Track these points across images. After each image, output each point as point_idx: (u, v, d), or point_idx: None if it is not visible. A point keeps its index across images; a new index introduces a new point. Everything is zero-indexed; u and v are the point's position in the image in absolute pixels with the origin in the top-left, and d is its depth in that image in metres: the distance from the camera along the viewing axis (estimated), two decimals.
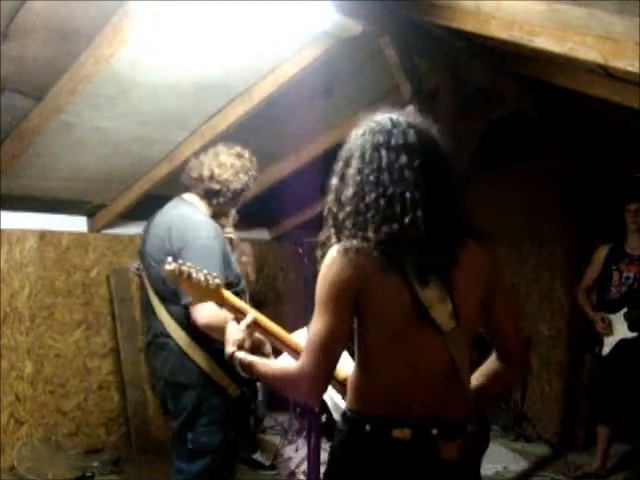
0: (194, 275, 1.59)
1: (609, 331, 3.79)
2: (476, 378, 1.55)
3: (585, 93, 3.20)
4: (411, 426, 1.35)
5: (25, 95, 2.72)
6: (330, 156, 4.54)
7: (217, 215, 2.41)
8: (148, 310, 2.32)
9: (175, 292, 2.13)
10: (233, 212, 3.71)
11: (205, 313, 2.05)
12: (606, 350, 3.81)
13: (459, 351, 1.38)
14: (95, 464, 3.58)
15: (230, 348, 1.59)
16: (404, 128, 1.40)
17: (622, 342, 3.75)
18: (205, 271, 1.61)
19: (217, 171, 2.33)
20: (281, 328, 1.68)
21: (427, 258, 1.33)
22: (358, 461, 1.40)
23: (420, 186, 1.34)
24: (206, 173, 2.34)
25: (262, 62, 3.04)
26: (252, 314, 1.63)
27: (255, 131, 3.61)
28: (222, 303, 1.67)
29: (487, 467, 3.97)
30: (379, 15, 2.81)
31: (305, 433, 3.96)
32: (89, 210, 3.93)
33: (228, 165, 2.35)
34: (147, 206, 4.04)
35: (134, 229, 4.23)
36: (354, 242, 1.34)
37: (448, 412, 1.38)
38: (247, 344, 1.60)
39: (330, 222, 1.43)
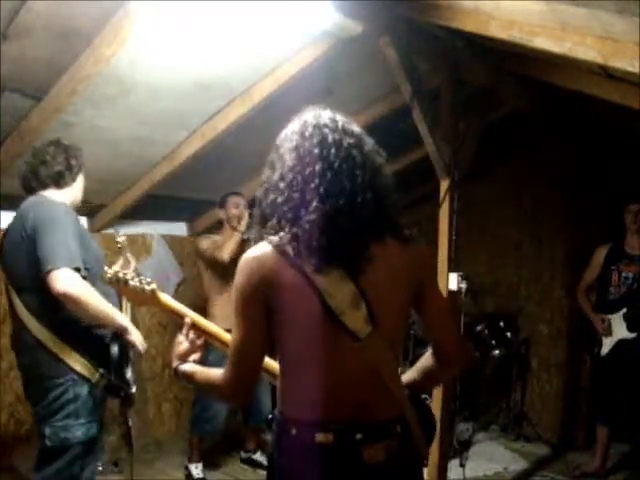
0: (130, 282, 1.62)
1: (609, 332, 3.79)
2: (411, 374, 1.57)
3: (585, 93, 3.20)
4: (334, 431, 1.35)
5: (25, 95, 2.72)
6: None
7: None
8: (9, 302, 2.33)
9: (29, 280, 2.16)
10: (246, 214, 3.74)
11: (64, 281, 2.04)
12: (605, 350, 3.81)
13: (381, 354, 1.38)
14: (95, 464, 3.57)
15: (173, 362, 1.59)
16: (331, 127, 1.41)
17: (621, 342, 3.76)
18: (140, 277, 1.64)
19: (39, 157, 2.41)
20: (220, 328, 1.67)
21: (326, 249, 1.31)
22: (286, 464, 1.41)
23: (331, 182, 1.34)
24: (33, 162, 2.41)
25: (262, 62, 3.04)
26: (188, 318, 1.62)
27: (255, 131, 3.61)
28: (160, 307, 1.66)
29: (487, 467, 3.98)
30: (379, 15, 2.80)
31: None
32: (89, 210, 3.93)
33: (48, 151, 2.41)
34: (147, 206, 4.07)
35: (134, 229, 4.23)
36: (269, 242, 1.35)
37: (373, 415, 1.38)
38: (194, 350, 1.60)
39: (260, 214, 1.44)
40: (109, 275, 1.64)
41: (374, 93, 3.75)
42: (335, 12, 2.58)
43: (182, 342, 1.60)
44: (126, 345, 2.32)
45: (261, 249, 1.36)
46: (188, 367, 1.56)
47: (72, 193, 2.46)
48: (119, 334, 2.28)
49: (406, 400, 1.44)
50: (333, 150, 1.37)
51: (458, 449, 3.88)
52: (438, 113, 3.31)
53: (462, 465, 3.46)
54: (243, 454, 4.06)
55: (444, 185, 3.24)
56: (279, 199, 1.37)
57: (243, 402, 1.55)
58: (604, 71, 2.85)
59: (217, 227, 4.06)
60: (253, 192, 4.51)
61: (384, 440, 1.38)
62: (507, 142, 4.54)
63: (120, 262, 2.90)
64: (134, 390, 2.38)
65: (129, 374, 2.33)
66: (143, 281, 1.62)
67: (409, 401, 1.45)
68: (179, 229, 4.65)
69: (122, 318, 2.30)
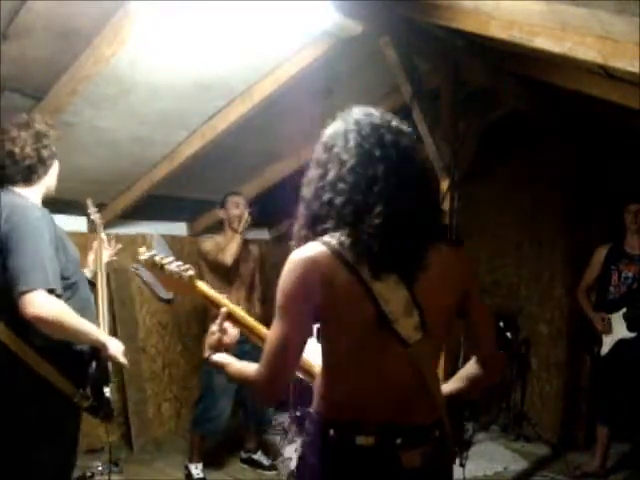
0: (167, 267, 1.55)
1: (609, 330, 3.79)
2: (455, 382, 1.56)
3: (585, 93, 3.20)
4: (374, 433, 1.34)
5: (25, 95, 2.73)
6: None
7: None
8: None
9: (3, 291, 1.91)
10: (246, 214, 3.74)
11: (36, 303, 1.85)
12: (605, 350, 3.81)
13: (426, 360, 1.37)
14: (95, 464, 3.58)
15: (205, 352, 1.57)
16: (388, 126, 1.39)
17: (621, 342, 3.75)
18: (179, 263, 1.55)
19: (5, 147, 2.08)
20: (256, 320, 1.63)
21: (387, 255, 1.29)
22: (323, 465, 1.40)
23: (394, 185, 1.32)
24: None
25: (262, 62, 3.04)
26: (225, 307, 1.57)
27: (255, 131, 3.61)
28: (196, 295, 1.60)
29: (487, 467, 3.97)
30: (379, 15, 2.81)
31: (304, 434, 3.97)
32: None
33: (16, 140, 2.08)
34: (147, 206, 4.07)
35: (134, 229, 4.23)
36: (323, 242, 1.31)
37: (413, 419, 1.38)
38: (226, 340, 1.57)
39: (309, 214, 1.40)
40: (144, 258, 1.55)
41: (374, 93, 3.75)
42: (335, 12, 2.58)
43: (215, 332, 1.56)
44: (105, 362, 2.20)
45: (314, 249, 1.31)
46: (220, 358, 1.53)
47: (45, 185, 2.17)
48: (98, 351, 2.14)
49: (444, 406, 1.44)
50: (393, 151, 1.35)
51: (458, 449, 3.88)
52: (438, 113, 3.31)
53: (462, 465, 3.46)
54: (243, 454, 4.06)
55: (444, 185, 3.24)
56: (337, 200, 1.33)
57: (276, 400, 1.52)
58: (604, 71, 2.85)
59: (217, 227, 4.06)
60: (254, 192, 4.55)
61: (422, 445, 1.38)
62: (507, 142, 4.54)
63: (95, 243, 2.68)
64: (113, 405, 2.26)
65: (107, 392, 2.21)
66: (181, 267, 1.55)
67: (446, 408, 1.45)
68: (179, 229, 4.66)
69: (100, 334, 2.14)
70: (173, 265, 1.55)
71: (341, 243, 1.30)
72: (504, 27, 2.45)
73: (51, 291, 1.90)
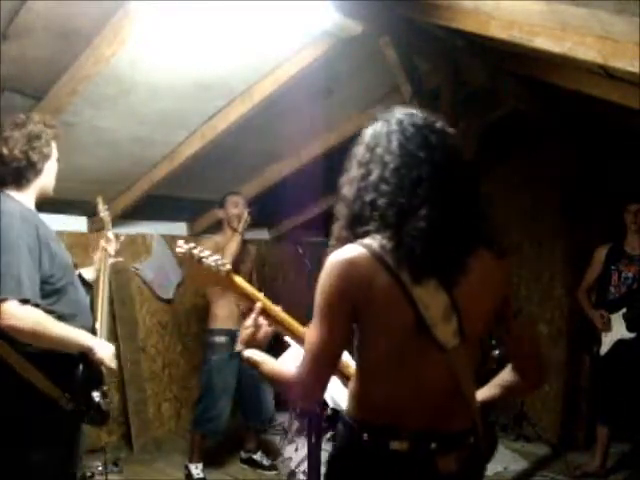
0: (204, 260, 1.54)
1: (608, 328, 3.79)
2: (490, 389, 1.54)
3: (585, 93, 3.20)
4: (409, 438, 1.33)
5: (25, 95, 2.73)
6: (330, 156, 4.56)
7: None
8: None
9: None
10: (245, 214, 3.73)
11: (7, 314, 1.83)
12: (604, 350, 3.81)
13: (462, 366, 1.35)
14: (95, 464, 3.58)
15: (237, 347, 1.56)
16: (431, 127, 1.37)
17: (620, 342, 3.75)
18: (216, 257, 1.55)
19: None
20: (292, 318, 1.62)
21: (428, 259, 1.27)
22: (355, 469, 1.39)
23: (439, 188, 1.30)
24: None
25: (262, 62, 3.04)
26: (260, 303, 1.56)
27: (255, 131, 3.61)
28: (232, 289, 1.60)
29: (487, 467, 3.97)
30: (379, 15, 2.81)
31: (305, 433, 3.97)
32: (89, 210, 3.93)
33: (8, 140, 2.04)
34: (147, 206, 4.07)
35: (134, 229, 4.23)
36: (362, 244, 1.29)
37: (448, 425, 1.36)
38: (260, 336, 1.56)
39: (350, 214, 1.37)
40: (183, 250, 1.55)
41: (374, 93, 3.75)
42: (335, 12, 2.58)
43: (249, 327, 1.55)
44: (94, 366, 2.15)
45: (354, 251, 1.28)
46: (253, 354, 1.52)
47: (38, 187, 2.12)
48: (86, 355, 2.11)
49: (479, 412, 1.42)
50: (438, 153, 1.32)
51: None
52: (438, 113, 3.30)
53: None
54: (243, 454, 4.06)
55: None
56: (380, 201, 1.30)
57: (313, 402, 1.52)
58: (604, 71, 2.85)
59: (217, 227, 4.05)
60: (254, 192, 4.55)
61: (457, 450, 1.36)
62: (507, 142, 4.54)
63: (103, 240, 2.67)
64: (106, 408, 2.22)
65: (97, 396, 2.16)
66: (219, 262, 1.55)
67: (479, 414, 1.43)
68: (179, 229, 4.66)
69: (85, 338, 2.09)
70: (211, 259, 1.54)
71: (382, 246, 1.28)
72: (504, 27, 2.44)
73: (26, 301, 1.87)
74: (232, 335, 3.71)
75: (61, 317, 2.02)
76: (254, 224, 3.94)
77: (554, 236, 4.66)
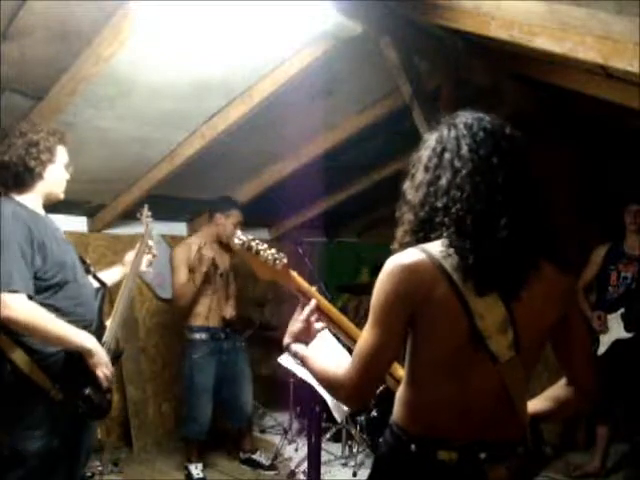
0: (262, 253, 1.57)
1: (605, 328, 3.80)
2: (541, 401, 1.54)
3: (585, 93, 3.20)
4: (458, 449, 1.32)
5: (25, 95, 2.72)
6: (330, 156, 4.56)
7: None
8: None
9: None
10: (235, 213, 3.73)
11: (10, 306, 1.96)
12: (602, 350, 3.81)
13: (515, 379, 1.33)
14: (95, 464, 3.58)
15: (286, 339, 1.56)
16: (502, 134, 1.34)
17: (618, 342, 3.76)
18: (273, 250, 1.58)
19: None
20: (344, 316, 1.62)
21: (492, 270, 1.25)
22: (402, 478, 1.38)
23: (516, 196, 1.28)
24: None
25: (262, 62, 3.04)
26: (314, 300, 1.57)
27: (255, 131, 3.61)
28: (287, 283, 1.61)
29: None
30: (379, 15, 2.81)
31: (305, 433, 3.97)
32: (89, 210, 3.93)
33: (10, 147, 2.19)
34: (147, 206, 4.06)
35: (134, 229, 4.22)
36: (423, 250, 1.27)
37: (498, 435, 1.35)
38: (309, 332, 1.57)
39: (416, 220, 1.34)
40: (241, 242, 1.58)
41: (374, 93, 3.75)
42: (335, 12, 2.58)
43: (300, 321, 1.55)
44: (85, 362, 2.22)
45: (414, 257, 1.26)
46: (302, 349, 1.52)
47: (42, 191, 2.25)
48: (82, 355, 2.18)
49: (528, 424, 1.42)
50: (510, 159, 1.30)
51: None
52: (438, 113, 3.30)
53: None
54: (242, 455, 4.06)
55: None
56: (455, 208, 1.27)
57: (357, 407, 1.50)
58: (604, 71, 2.85)
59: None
60: (254, 192, 4.55)
61: (507, 460, 1.35)
62: None
63: (140, 244, 2.77)
64: (103, 403, 2.28)
65: (88, 390, 2.21)
66: (276, 255, 1.58)
67: (530, 426, 1.43)
68: (179, 229, 4.66)
69: (83, 339, 2.16)
70: (268, 252, 1.57)
71: (446, 253, 1.26)
72: (504, 27, 2.45)
73: (15, 292, 1.99)
74: (212, 332, 3.76)
75: (56, 311, 2.12)
76: (254, 224, 3.94)
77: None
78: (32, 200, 2.22)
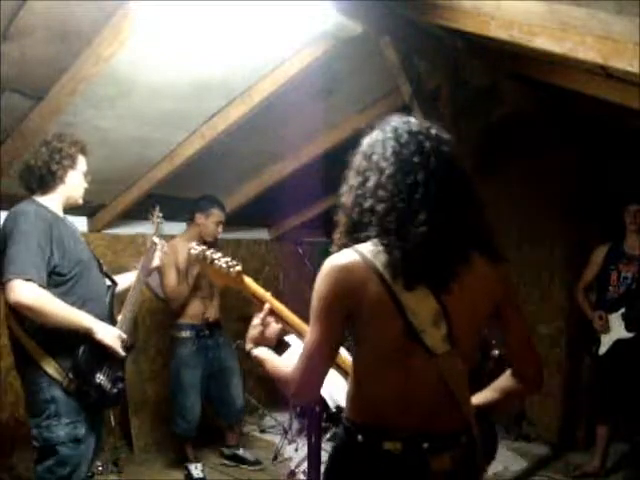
0: (216, 262, 1.65)
1: (606, 328, 3.80)
2: (488, 392, 1.56)
3: (585, 93, 3.20)
4: (402, 439, 1.36)
5: (25, 95, 2.73)
6: (330, 156, 4.56)
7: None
8: None
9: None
10: (215, 212, 3.75)
11: (12, 293, 2.15)
12: (603, 350, 3.81)
13: (453, 371, 1.38)
14: (95, 464, 3.58)
15: (247, 346, 1.62)
16: (426, 133, 1.39)
17: (619, 342, 3.76)
18: (228, 258, 1.66)
19: (27, 161, 2.45)
20: (298, 317, 1.66)
21: (419, 265, 1.30)
22: (351, 469, 1.42)
23: (436, 193, 1.32)
24: (22, 167, 2.49)
25: (262, 62, 3.04)
26: (268, 304, 1.63)
27: (255, 131, 3.61)
28: (242, 289, 1.67)
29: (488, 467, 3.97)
30: (379, 15, 2.81)
31: (305, 433, 3.97)
32: (89, 210, 3.93)
33: (37, 154, 2.44)
34: (147, 206, 4.06)
35: (134, 229, 4.23)
36: (356, 250, 1.32)
37: (440, 426, 1.39)
38: (268, 335, 1.61)
39: (348, 221, 1.41)
40: (196, 252, 1.68)
41: (374, 93, 3.75)
42: (335, 12, 2.58)
43: (257, 326, 1.61)
44: (100, 347, 2.34)
45: (348, 258, 1.32)
46: (260, 352, 1.58)
47: (63, 195, 2.47)
48: (90, 337, 2.31)
49: (472, 415, 1.44)
50: (433, 159, 1.34)
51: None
52: (438, 113, 3.31)
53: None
54: (226, 450, 4.06)
55: None
56: (378, 207, 1.33)
57: (306, 401, 1.59)
58: (604, 71, 2.85)
59: None
60: (254, 192, 4.55)
61: (450, 450, 1.39)
62: (507, 142, 4.54)
63: (149, 243, 2.94)
64: (114, 391, 2.43)
65: (100, 378, 2.36)
66: (230, 263, 1.65)
67: (475, 416, 1.45)
68: (179, 229, 4.64)
69: (87, 320, 2.31)
70: (222, 261, 1.65)
71: (377, 252, 1.31)
72: (504, 27, 2.45)
73: (28, 280, 2.17)
74: (198, 330, 3.79)
75: (71, 305, 2.29)
76: (254, 224, 3.94)
77: (554, 236, 4.66)
78: (53, 201, 2.43)
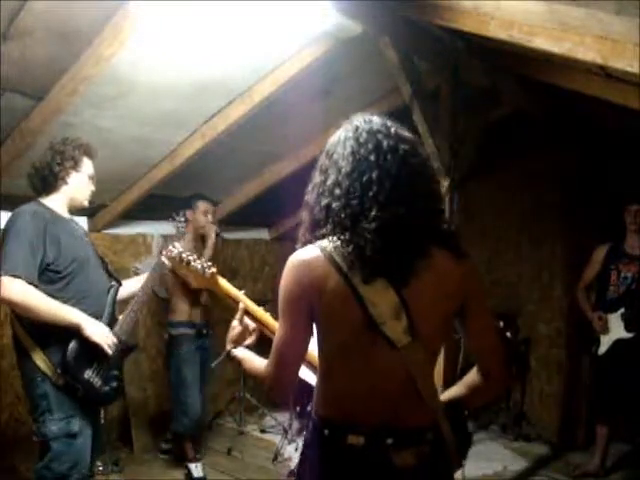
0: (192, 263, 1.72)
1: (605, 329, 3.80)
2: (457, 387, 1.57)
3: (584, 93, 3.20)
4: (365, 434, 1.37)
5: (25, 95, 2.73)
6: None
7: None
8: None
9: None
10: (213, 229, 3.74)
11: (9, 288, 2.20)
12: (602, 350, 3.81)
13: (416, 364, 1.38)
14: (95, 464, 3.58)
15: (227, 347, 1.65)
16: (386, 132, 1.41)
17: (618, 342, 3.76)
18: (202, 260, 1.73)
19: (34, 164, 2.53)
20: (271, 316, 1.70)
21: (376, 259, 1.31)
22: (318, 463, 1.44)
23: (390, 190, 1.34)
24: (30, 169, 2.54)
25: (262, 62, 3.04)
26: (242, 303, 1.67)
27: (255, 131, 3.62)
28: (217, 290, 1.73)
29: (487, 467, 3.98)
30: (379, 15, 2.81)
31: (305, 433, 3.96)
32: (89, 210, 3.93)
33: (42, 157, 2.52)
34: (147, 206, 4.07)
35: (134, 229, 4.24)
36: (318, 246, 1.36)
37: (404, 421, 1.39)
38: (247, 335, 1.66)
39: (311, 219, 1.44)
40: (173, 254, 1.74)
41: (374, 93, 3.75)
42: (335, 12, 2.59)
43: (236, 327, 1.65)
44: (91, 344, 2.36)
45: (310, 253, 1.36)
46: (239, 352, 1.62)
47: (66, 196, 2.51)
48: (78, 332, 2.34)
49: (440, 410, 1.44)
50: (389, 157, 1.36)
51: (460, 453, 3.87)
52: (438, 113, 3.31)
53: (461, 465, 3.46)
54: (164, 445, 4.09)
55: (444, 185, 3.25)
56: (334, 205, 1.36)
57: (281, 396, 1.59)
58: (603, 71, 2.85)
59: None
60: (254, 192, 4.55)
61: (415, 446, 1.39)
62: (507, 142, 4.54)
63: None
64: (105, 389, 2.45)
65: (89, 374, 2.38)
66: (205, 265, 1.72)
67: (444, 412, 1.45)
68: None
69: (75, 316, 2.33)
70: (198, 262, 1.72)
71: (335, 247, 1.34)
72: (504, 27, 2.45)
73: (16, 277, 2.22)
74: (197, 328, 3.81)
75: (66, 301, 2.33)
76: (254, 224, 3.94)
77: (554, 236, 4.66)
78: (56, 202, 2.48)
